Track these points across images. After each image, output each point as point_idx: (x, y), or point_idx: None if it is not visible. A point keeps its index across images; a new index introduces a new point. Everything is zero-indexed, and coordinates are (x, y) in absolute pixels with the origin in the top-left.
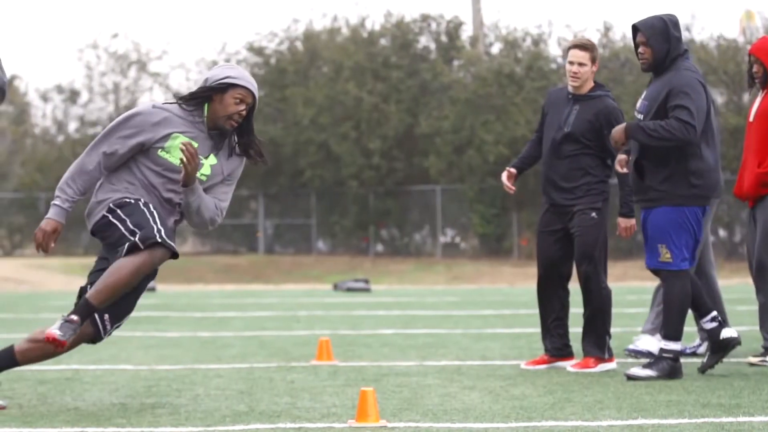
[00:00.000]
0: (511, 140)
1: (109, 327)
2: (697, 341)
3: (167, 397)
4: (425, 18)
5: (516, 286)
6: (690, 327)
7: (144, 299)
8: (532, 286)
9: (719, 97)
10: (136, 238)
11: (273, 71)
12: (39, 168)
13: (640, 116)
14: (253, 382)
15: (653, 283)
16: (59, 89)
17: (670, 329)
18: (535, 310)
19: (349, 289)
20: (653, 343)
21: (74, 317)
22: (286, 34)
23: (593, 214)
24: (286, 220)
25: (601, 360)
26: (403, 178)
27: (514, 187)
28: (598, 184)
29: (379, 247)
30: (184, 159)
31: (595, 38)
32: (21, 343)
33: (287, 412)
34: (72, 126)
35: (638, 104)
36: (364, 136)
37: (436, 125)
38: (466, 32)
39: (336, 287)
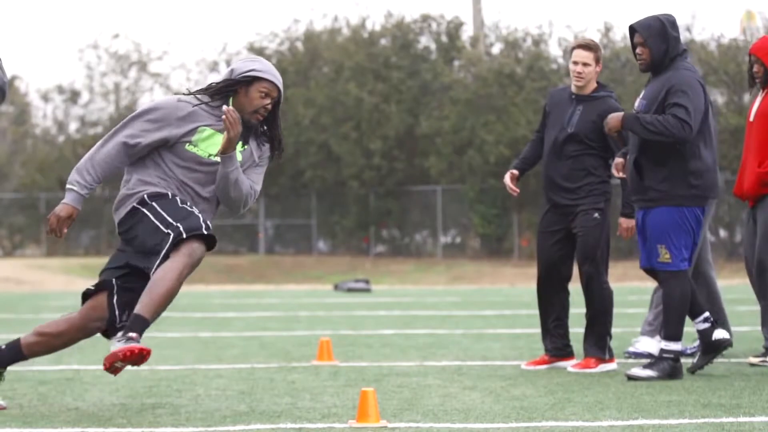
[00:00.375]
0: (511, 140)
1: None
2: (697, 342)
3: (168, 397)
4: (426, 18)
5: (517, 287)
6: (690, 327)
7: None
8: (532, 286)
9: (720, 98)
10: (182, 229)
11: None
12: (39, 168)
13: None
14: (253, 382)
15: (653, 283)
16: (60, 89)
17: (670, 330)
18: (536, 311)
19: (350, 290)
20: (653, 345)
21: (133, 334)
22: (286, 34)
23: (596, 215)
24: (286, 221)
25: (602, 360)
26: (404, 179)
27: (517, 189)
28: (600, 185)
29: (380, 248)
30: (227, 123)
31: (595, 38)
32: (27, 336)
33: (288, 413)
34: (72, 126)
35: (636, 103)
36: (364, 137)
37: (437, 125)
38: (467, 32)
39: (336, 287)
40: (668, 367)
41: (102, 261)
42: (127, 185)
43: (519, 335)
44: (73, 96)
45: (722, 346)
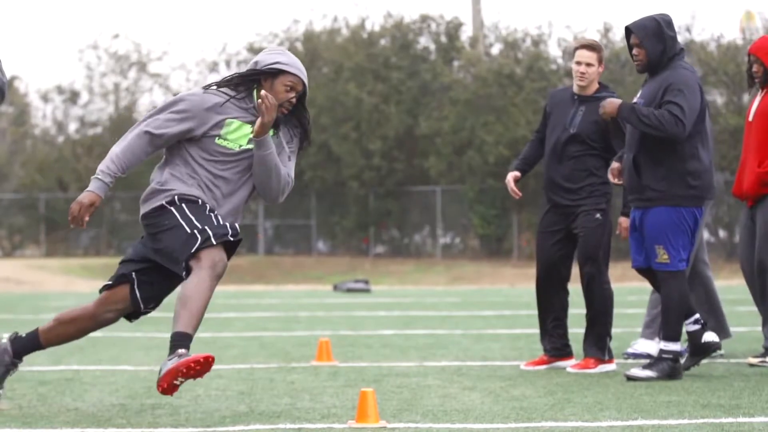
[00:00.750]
0: (511, 141)
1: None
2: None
3: (167, 398)
4: (425, 19)
5: (516, 287)
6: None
7: None
8: (532, 286)
9: (719, 98)
10: (210, 233)
11: None
12: (39, 169)
13: None
14: (253, 382)
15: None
16: (59, 90)
17: (669, 330)
18: (536, 311)
19: (350, 290)
20: (651, 346)
21: (182, 350)
22: (286, 34)
23: (597, 215)
24: (286, 221)
25: (601, 361)
26: (404, 179)
27: (520, 193)
28: (602, 185)
29: (380, 248)
30: (263, 108)
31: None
32: (45, 324)
33: (287, 413)
34: (72, 127)
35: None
36: (364, 137)
37: (436, 126)
38: (466, 33)
39: (336, 288)
40: (667, 368)
41: (101, 261)
42: (158, 180)
43: (519, 336)
44: (73, 96)
45: (711, 349)
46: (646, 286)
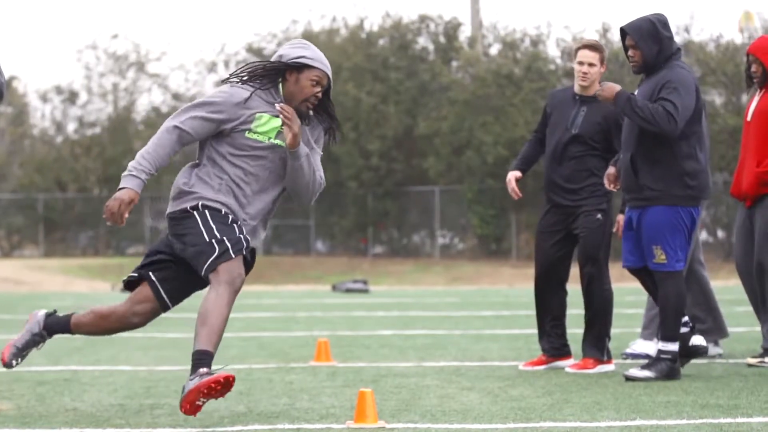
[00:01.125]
0: (509, 141)
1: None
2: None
3: (166, 398)
4: (424, 19)
5: (515, 287)
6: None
7: None
8: (531, 287)
9: (718, 98)
10: (229, 246)
11: None
12: (38, 169)
13: None
14: (251, 383)
15: None
16: (58, 90)
17: (667, 330)
18: (534, 311)
19: (348, 290)
20: (650, 346)
21: (204, 369)
22: (285, 35)
23: (598, 216)
24: (285, 221)
25: (600, 361)
26: (402, 179)
27: (521, 194)
28: (603, 186)
29: (378, 248)
30: (286, 120)
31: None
32: (80, 313)
33: (286, 413)
34: (71, 127)
35: None
36: (363, 137)
37: (435, 126)
38: (465, 33)
39: (335, 288)
40: (666, 368)
41: (100, 261)
42: (184, 181)
43: (517, 336)
44: (72, 96)
45: (698, 352)
46: None
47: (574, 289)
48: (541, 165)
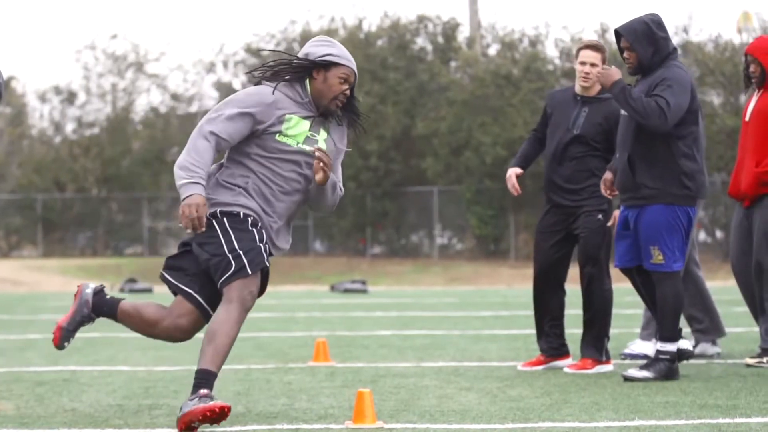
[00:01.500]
0: (508, 141)
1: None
2: (692, 342)
3: (165, 398)
4: (422, 19)
5: (514, 288)
6: (685, 328)
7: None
8: (529, 287)
9: (716, 98)
10: (245, 261)
11: None
12: (36, 169)
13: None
14: (250, 383)
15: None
16: (57, 90)
17: (666, 330)
18: (533, 312)
19: (347, 291)
20: (648, 346)
21: (204, 391)
22: (283, 35)
23: (599, 216)
24: None
25: (599, 362)
26: (401, 180)
27: (520, 191)
28: None
29: (377, 249)
30: (322, 166)
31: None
32: (130, 302)
33: (284, 414)
34: (69, 127)
35: None
36: (361, 138)
37: (434, 126)
38: (463, 33)
39: (333, 288)
40: (664, 368)
41: (98, 262)
42: (218, 175)
43: (516, 336)
44: (70, 97)
45: (684, 356)
46: None
47: (572, 289)
48: (541, 165)
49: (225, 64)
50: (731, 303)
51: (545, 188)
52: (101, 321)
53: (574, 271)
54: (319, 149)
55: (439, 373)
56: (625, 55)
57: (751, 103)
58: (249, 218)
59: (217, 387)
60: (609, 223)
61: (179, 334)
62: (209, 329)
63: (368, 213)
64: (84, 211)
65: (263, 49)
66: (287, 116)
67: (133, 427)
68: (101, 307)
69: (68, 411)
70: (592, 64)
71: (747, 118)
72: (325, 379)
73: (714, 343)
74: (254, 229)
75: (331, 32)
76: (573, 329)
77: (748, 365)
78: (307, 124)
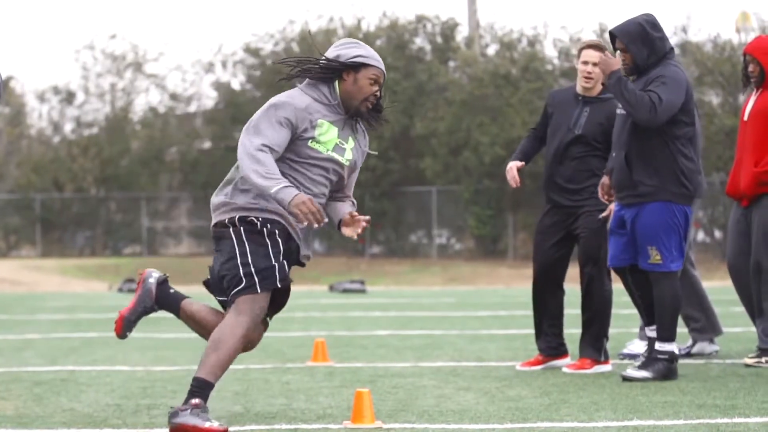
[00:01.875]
0: (507, 141)
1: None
2: (690, 342)
3: (163, 398)
4: (421, 19)
5: (512, 287)
6: (682, 329)
7: None
8: (528, 287)
9: (714, 98)
10: (256, 280)
11: (269, 72)
12: (35, 169)
13: (623, 112)
14: (248, 383)
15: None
16: (55, 90)
17: (664, 330)
18: (531, 311)
19: (345, 291)
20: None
21: (196, 400)
22: (282, 35)
23: (600, 216)
24: None
25: (597, 362)
26: (399, 180)
27: (519, 181)
28: None
29: (375, 249)
30: (356, 230)
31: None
32: (194, 304)
33: (283, 414)
34: (68, 127)
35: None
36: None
37: (432, 126)
38: (462, 33)
39: (332, 288)
40: (663, 368)
41: (97, 262)
42: (226, 191)
43: (514, 336)
44: (69, 97)
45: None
46: None
47: (571, 288)
48: (539, 165)
49: (224, 64)
50: (730, 303)
51: (545, 188)
52: (99, 320)
53: (573, 271)
54: (368, 221)
55: (438, 373)
56: (621, 56)
57: (749, 102)
58: (267, 226)
59: (216, 387)
60: (604, 214)
61: (249, 344)
62: (215, 336)
63: (367, 213)
64: (82, 210)
65: (288, 59)
66: (319, 121)
67: (131, 427)
68: (164, 300)
69: (66, 411)
70: (595, 64)
71: (745, 118)
72: (323, 379)
73: (711, 341)
74: (270, 241)
75: (329, 32)
76: (572, 329)
77: (747, 365)
78: (336, 131)
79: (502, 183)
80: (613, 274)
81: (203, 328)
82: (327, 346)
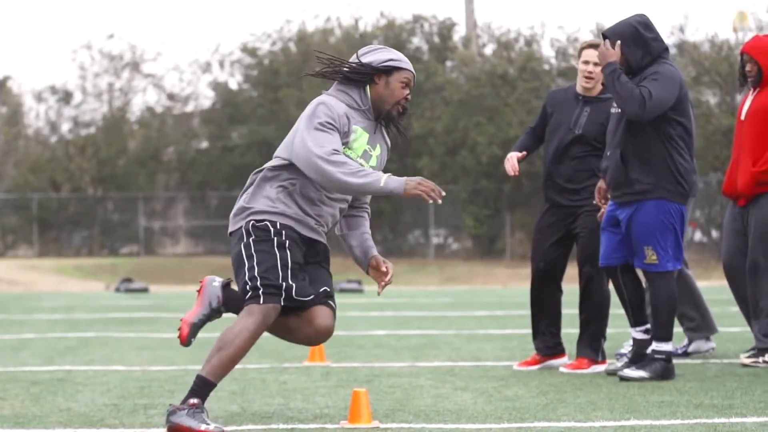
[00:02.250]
0: (504, 141)
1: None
2: (686, 341)
3: (160, 398)
4: (418, 19)
5: (509, 287)
6: (678, 328)
7: (137, 300)
8: (525, 287)
9: (712, 98)
10: (260, 293)
11: (266, 72)
12: (32, 169)
13: (617, 111)
14: (245, 383)
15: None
16: (53, 90)
17: (661, 330)
18: (528, 311)
19: (342, 290)
20: None
21: (195, 400)
22: (279, 35)
23: (599, 216)
24: None
25: (594, 362)
26: None
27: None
28: None
29: None
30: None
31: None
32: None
33: (280, 413)
34: (65, 127)
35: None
36: None
37: (429, 126)
38: (459, 33)
39: None
40: (660, 368)
41: (94, 261)
42: (246, 198)
43: (511, 336)
44: (66, 96)
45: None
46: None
47: (568, 288)
48: (537, 166)
49: (221, 64)
50: (727, 303)
51: (544, 187)
52: (96, 320)
53: (571, 271)
54: (390, 279)
55: (435, 372)
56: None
57: (746, 102)
58: (280, 235)
59: None
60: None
61: (322, 337)
62: (224, 336)
63: None
64: (80, 210)
65: (325, 55)
66: (353, 127)
67: (128, 427)
68: (231, 301)
69: (63, 411)
70: (595, 64)
71: (742, 118)
72: (320, 378)
73: (707, 339)
74: (279, 252)
75: (326, 32)
76: (569, 329)
77: (744, 365)
78: (367, 137)
79: (500, 183)
80: None
81: (275, 329)
82: (324, 346)
